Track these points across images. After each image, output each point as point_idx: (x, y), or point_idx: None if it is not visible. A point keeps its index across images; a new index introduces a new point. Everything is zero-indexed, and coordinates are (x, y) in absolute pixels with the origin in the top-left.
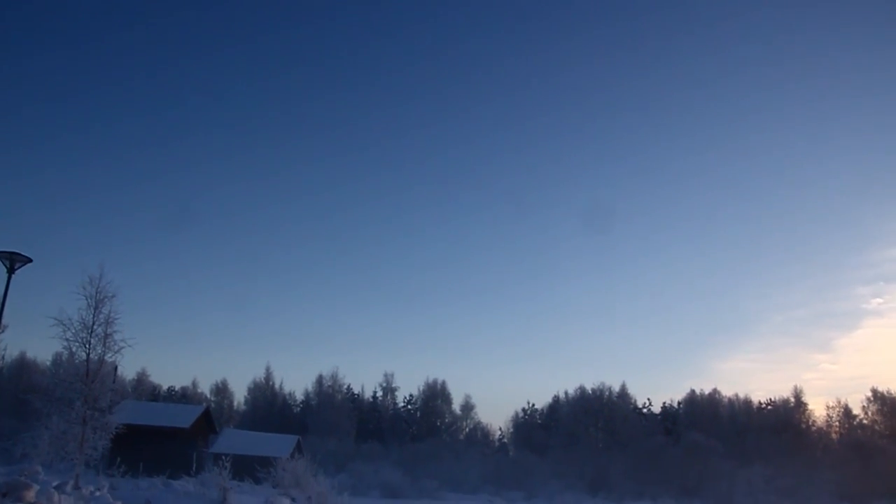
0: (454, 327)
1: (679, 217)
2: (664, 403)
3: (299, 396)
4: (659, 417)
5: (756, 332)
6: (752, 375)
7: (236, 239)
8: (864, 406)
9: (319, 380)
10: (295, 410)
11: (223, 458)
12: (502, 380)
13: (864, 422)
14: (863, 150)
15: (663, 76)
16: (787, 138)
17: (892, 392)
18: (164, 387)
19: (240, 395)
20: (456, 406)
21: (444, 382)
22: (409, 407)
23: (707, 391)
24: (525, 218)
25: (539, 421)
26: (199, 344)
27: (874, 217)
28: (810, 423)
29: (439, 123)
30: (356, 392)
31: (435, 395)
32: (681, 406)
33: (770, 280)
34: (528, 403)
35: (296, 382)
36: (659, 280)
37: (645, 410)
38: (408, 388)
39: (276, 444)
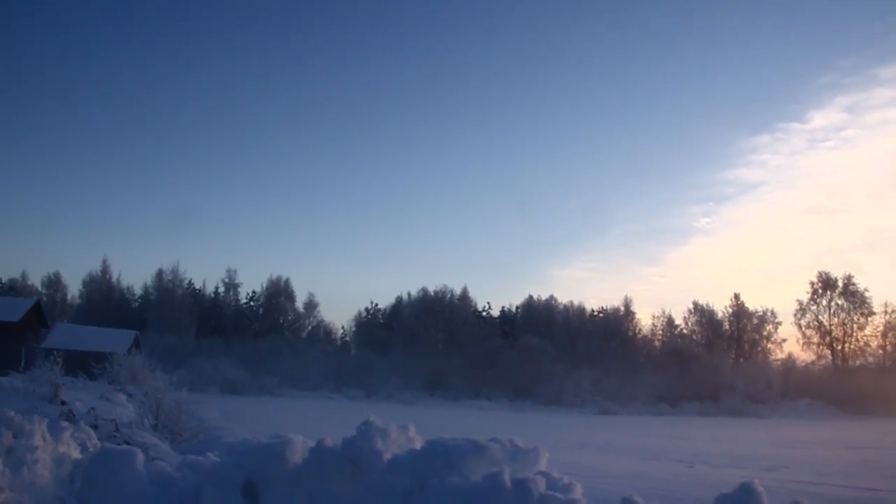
0: (299, 224)
1: (528, 127)
2: (503, 307)
3: (138, 291)
4: (497, 321)
5: (594, 243)
6: (587, 284)
7: (70, 116)
8: (685, 317)
9: (159, 274)
10: (133, 305)
11: (55, 353)
12: (346, 279)
13: (684, 331)
14: (701, 75)
15: None
16: (631, 60)
17: (710, 305)
18: None
19: (74, 288)
20: (299, 304)
21: (287, 280)
22: (252, 304)
23: (544, 297)
24: (375, 117)
25: (381, 321)
26: (29, 233)
27: (708, 140)
28: (637, 331)
29: None
30: (197, 287)
31: (278, 292)
32: (519, 310)
33: (610, 195)
34: (372, 303)
35: (134, 276)
36: (503, 188)
37: (484, 314)
38: (251, 284)
39: (113, 340)
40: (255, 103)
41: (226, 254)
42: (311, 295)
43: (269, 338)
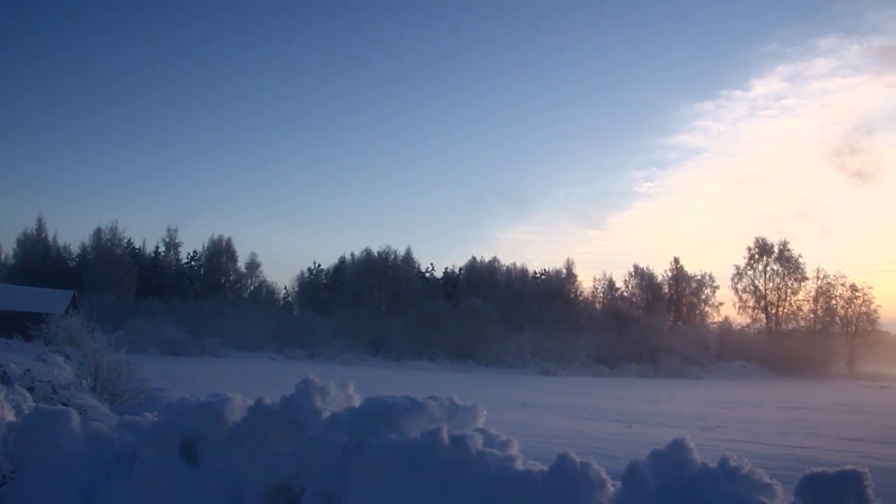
0: (242, 182)
1: (473, 89)
2: (446, 269)
3: (75, 250)
4: (441, 282)
5: (538, 206)
6: (530, 246)
7: (4, 77)
8: (625, 280)
9: (97, 233)
10: (70, 265)
11: None
12: (289, 239)
13: (625, 294)
14: (646, 41)
15: None
16: (577, 25)
17: (651, 268)
18: None
19: (7, 247)
20: (241, 264)
21: (229, 239)
22: (193, 263)
23: (487, 259)
24: (318, 78)
25: (324, 281)
26: None
27: (653, 105)
28: (578, 293)
29: None
30: (137, 247)
31: (220, 251)
32: (462, 272)
33: (555, 158)
34: (314, 263)
35: (71, 235)
36: (449, 150)
37: (428, 275)
38: (192, 244)
39: (49, 300)
40: (197, 59)
41: (166, 213)
42: (254, 255)
43: (211, 298)
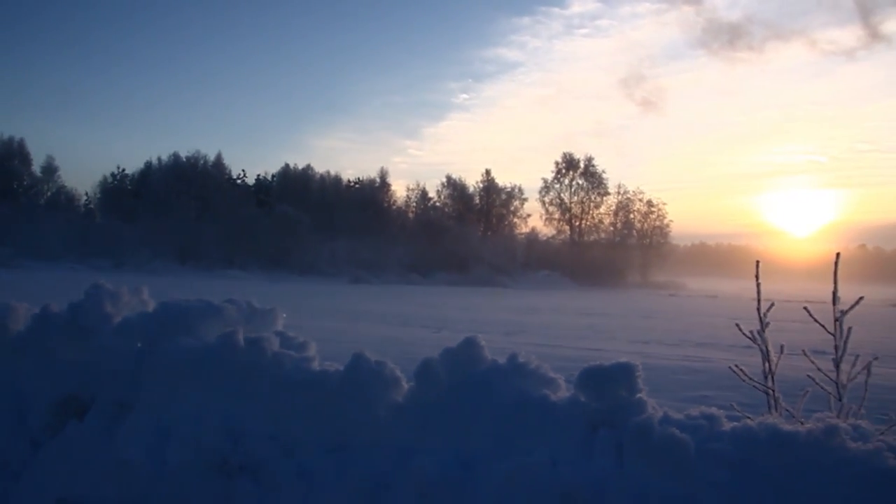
0: (34, 76)
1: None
2: (259, 176)
3: None
4: (253, 189)
5: (353, 113)
6: (345, 154)
7: None
8: (438, 190)
9: None
10: None
11: None
12: (90, 142)
13: (437, 204)
14: None
15: None
16: None
17: (463, 179)
18: None
19: None
20: (36, 168)
21: (22, 140)
22: None
23: (301, 166)
24: None
25: (129, 187)
26: None
27: (471, 17)
28: (392, 203)
29: None
30: None
31: (11, 154)
32: (275, 179)
33: (373, 65)
34: (119, 168)
35: None
36: (263, 52)
37: (239, 182)
38: None
39: None
40: None
41: None
42: (51, 158)
43: (2, 206)
